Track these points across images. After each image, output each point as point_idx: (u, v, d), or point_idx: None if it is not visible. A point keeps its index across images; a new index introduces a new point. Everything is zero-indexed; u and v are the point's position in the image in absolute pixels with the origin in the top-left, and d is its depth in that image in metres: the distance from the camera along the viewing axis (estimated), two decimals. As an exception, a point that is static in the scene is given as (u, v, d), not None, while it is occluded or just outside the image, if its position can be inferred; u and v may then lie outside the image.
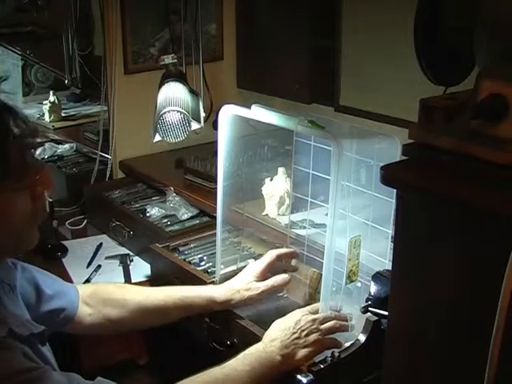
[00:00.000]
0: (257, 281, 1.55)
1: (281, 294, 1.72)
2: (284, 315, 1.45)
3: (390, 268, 1.16)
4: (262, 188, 1.83)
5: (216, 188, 1.62)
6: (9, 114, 1.06)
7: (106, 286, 1.58)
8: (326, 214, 1.41)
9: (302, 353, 1.33)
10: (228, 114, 1.52)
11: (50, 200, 2.04)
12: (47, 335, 1.16)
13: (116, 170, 2.41)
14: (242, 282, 1.55)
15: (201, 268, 1.72)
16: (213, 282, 1.60)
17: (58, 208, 2.23)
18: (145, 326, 1.54)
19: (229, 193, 1.62)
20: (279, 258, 1.60)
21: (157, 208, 2.06)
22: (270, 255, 1.59)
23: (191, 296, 1.52)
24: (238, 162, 1.74)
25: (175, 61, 2.06)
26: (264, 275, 1.57)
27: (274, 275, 1.58)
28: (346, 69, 2.14)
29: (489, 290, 0.87)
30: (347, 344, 1.35)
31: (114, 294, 1.50)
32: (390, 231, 1.40)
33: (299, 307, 1.54)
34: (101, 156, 2.42)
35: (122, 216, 2.10)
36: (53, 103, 2.92)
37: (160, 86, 2.05)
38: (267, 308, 1.63)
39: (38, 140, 1.20)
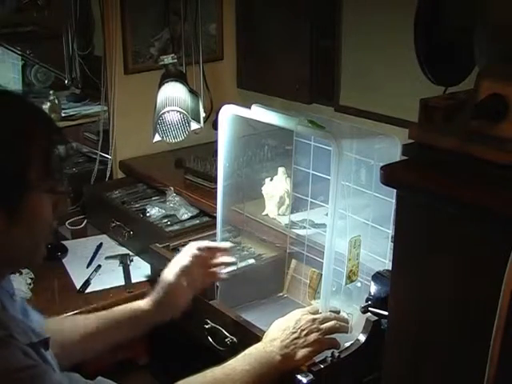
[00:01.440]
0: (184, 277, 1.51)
1: (281, 294, 1.72)
2: (284, 315, 1.46)
3: (390, 268, 1.17)
4: (262, 188, 1.83)
5: (216, 188, 1.62)
6: (56, 130, 1.14)
7: (58, 320, 1.54)
8: (326, 214, 1.41)
9: (301, 353, 1.33)
10: (228, 113, 1.52)
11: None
12: (49, 342, 1.15)
13: (116, 170, 2.41)
14: (166, 283, 1.50)
15: (201, 268, 1.71)
16: (213, 282, 1.59)
17: (58, 208, 2.22)
18: (82, 355, 1.46)
19: (229, 193, 1.62)
20: (202, 251, 1.54)
21: (157, 208, 2.06)
22: (190, 251, 1.53)
23: (119, 309, 1.49)
24: (238, 162, 1.74)
25: (175, 61, 2.06)
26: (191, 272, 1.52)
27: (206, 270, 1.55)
28: (346, 69, 2.14)
29: (489, 290, 0.87)
30: (347, 344, 1.35)
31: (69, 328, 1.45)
32: (390, 231, 1.40)
33: (299, 307, 1.54)
34: (101, 156, 2.42)
35: (122, 216, 2.10)
36: (53, 103, 2.91)
37: (160, 86, 2.05)
38: (267, 308, 1.63)
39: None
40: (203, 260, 1.54)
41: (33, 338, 1.09)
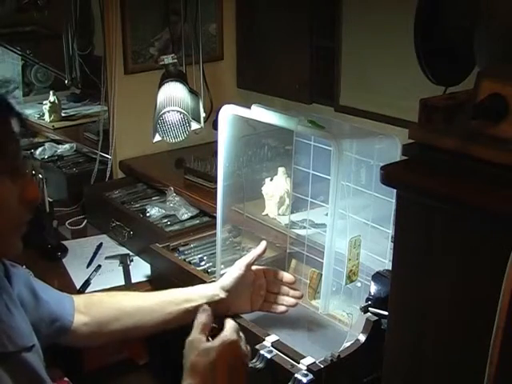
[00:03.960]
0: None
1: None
2: (284, 315, 1.46)
3: (389, 268, 1.16)
4: (262, 188, 1.83)
5: (216, 188, 1.62)
6: (11, 113, 1.06)
7: (99, 294, 1.55)
8: (326, 214, 1.41)
9: None
10: (228, 113, 1.52)
11: (50, 200, 2.04)
12: (17, 359, 1.10)
13: (116, 170, 2.41)
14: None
15: (201, 268, 1.72)
16: (213, 282, 1.59)
17: (57, 208, 2.23)
18: (143, 331, 1.49)
19: (229, 193, 1.62)
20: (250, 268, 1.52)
21: (157, 208, 2.06)
22: (238, 267, 1.50)
23: (189, 296, 1.48)
24: (238, 162, 1.74)
25: (175, 61, 2.06)
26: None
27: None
28: (346, 69, 2.14)
29: (489, 290, 0.87)
30: (347, 344, 1.35)
31: (109, 301, 1.47)
32: (390, 231, 1.40)
33: (299, 307, 1.55)
34: (101, 156, 2.42)
35: (122, 216, 2.10)
36: (53, 103, 2.92)
37: (160, 86, 2.05)
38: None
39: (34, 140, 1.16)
40: (263, 283, 1.53)
41: (9, 347, 1.07)
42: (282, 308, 1.53)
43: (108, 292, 1.62)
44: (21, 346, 1.10)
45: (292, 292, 1.55)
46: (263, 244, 1.53)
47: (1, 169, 1.02)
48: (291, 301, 1.54)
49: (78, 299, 1.44)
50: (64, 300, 1.40)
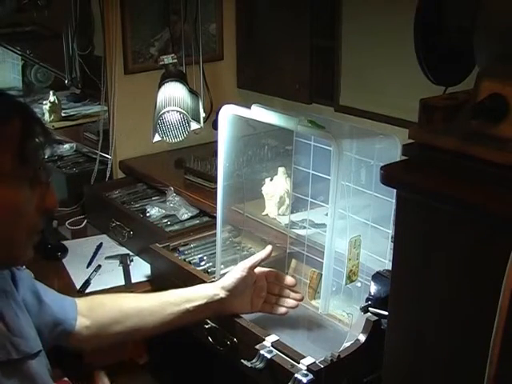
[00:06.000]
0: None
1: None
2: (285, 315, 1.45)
3: (389, 268, 1.17)
4: (262, 188, 1.83)
5: (216, 188, 1.62)
6: (35, 122, 1.07)
7: (101, 296, 1.54)
8: (326, 214, 1.41)
9: None
10: (228, 113, 1.52)
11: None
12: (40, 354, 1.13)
13: (116, 170, 2.41)
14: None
15: (201, 268, 1.72)
16: (213, 282, 1.59)
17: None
18: (144, 332, 1.48)
19: (229, 193, 1.62)
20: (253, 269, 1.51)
21: (157, 208, 2.06)
22: (241, 269, 1.50)
23: (189, 296, 1.48)
24: (238, 162, 1.74)
25: (175, 61, 2.06)
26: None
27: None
28: (346, 69, 2.14)
29: (489, 290, 0.87)
30: (347, 344, 1.35)
31: (110, 304, 1.46)
32: (390, 231, 1.40)
33: (299, 307, 1.55)
34: (101, 156, 2.42)
35: (122, 216, 2.10)
36: (53, 103, 2.91)
37: (160, 86, 2.05)
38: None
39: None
40: (264, 284, 1.53)
41: (13, 354, 1.07)
42: (282, 309, 1.53)
43: (109, 294, 1.61)
44: (25, 352, 1.10)
45: (293, 294, 1.55)
46: (269, 248, 1.53)
47: (21, 176, 1.02)
48: (292, 302, 1.54)
49: (81, 302, 1.43)
50: (66, 303, 1.40)
